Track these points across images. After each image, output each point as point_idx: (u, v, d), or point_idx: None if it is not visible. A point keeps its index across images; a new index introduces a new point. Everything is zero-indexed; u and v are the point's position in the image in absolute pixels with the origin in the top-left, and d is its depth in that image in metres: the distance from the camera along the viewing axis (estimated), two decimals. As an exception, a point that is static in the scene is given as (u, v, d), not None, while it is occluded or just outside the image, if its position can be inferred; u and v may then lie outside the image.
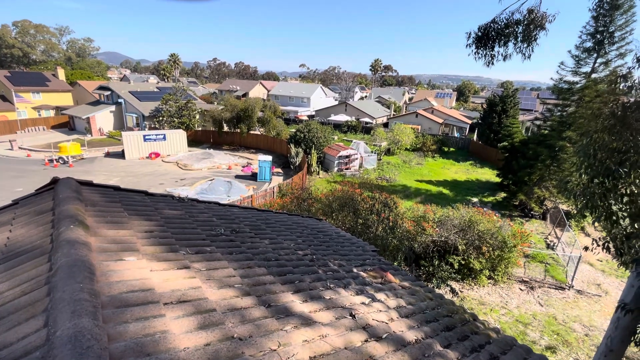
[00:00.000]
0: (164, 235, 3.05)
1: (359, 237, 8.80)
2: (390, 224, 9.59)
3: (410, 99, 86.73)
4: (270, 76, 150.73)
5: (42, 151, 30.81)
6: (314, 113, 57.86)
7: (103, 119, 39.06)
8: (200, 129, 38.02)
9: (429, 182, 27.28)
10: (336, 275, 3.57)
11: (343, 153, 27.87)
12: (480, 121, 42.83)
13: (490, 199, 24.08)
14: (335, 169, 28.08)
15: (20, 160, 28.50)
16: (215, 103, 48.00)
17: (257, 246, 3.70)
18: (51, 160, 27.24)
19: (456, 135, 46.28)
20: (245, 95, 66.16)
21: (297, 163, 26.91)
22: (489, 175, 29.82)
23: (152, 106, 37.72)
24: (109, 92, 40.14)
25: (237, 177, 25.98)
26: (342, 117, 49.53)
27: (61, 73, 52.02)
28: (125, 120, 39.78)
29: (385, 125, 50.07)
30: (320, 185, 24.58)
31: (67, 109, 43.19)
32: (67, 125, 42.36)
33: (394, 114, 58.22)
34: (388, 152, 34.42)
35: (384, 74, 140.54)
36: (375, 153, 31.65)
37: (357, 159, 28.98)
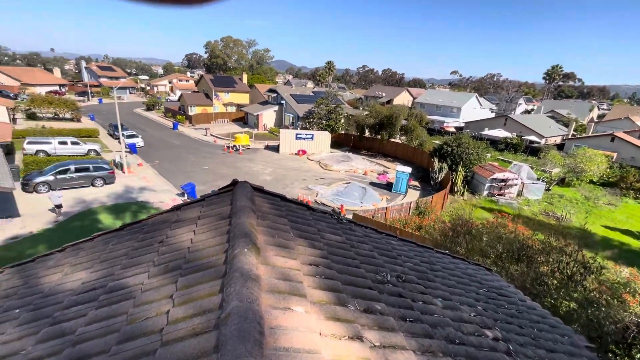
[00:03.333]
0: (329, 275, 2.49)
1: (529, 296, 6.62)
2: (587, 294, 6.81)
3: (600, 117, 67.42)
4: (417, 83, 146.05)
5: (223, 139, 38.75)
6: (463, 125, 52.23)
7: (268, 116, 46.08)
8: (343, 132, 39.86)
9: (627, 232, 19.91)
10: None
11: (498, 175, 23.57)
12: None
13: None
14: (485, 192, 24.07)
15: (209, 144, 36.63)
16: (361, 108, 49.49)
17: (432, 310, 2.76)
18: (228, 147, 33.80)
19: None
20: (389, 101, 65.92)
21: (439, 179, 24.41)
22: None
23: (306, 108, 41.95)
24: (275, 94, 47.06)
25: (372, 184, 25.68)
26: (498, 133, 42.64)
27: (245, 78, 64.60)
28: (283, 119, 45.77)
29: (560, 147, 40.23)
30: (464, 210, 21.47)
31: (244, 106, 53.14)
32: (243, 119, 52.12)
33: (574, 134, 46.25)
34: (562, 182, 27.24)
35: (561, 83, 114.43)
36: (543, 181, 25.54)
37: (516, 184, 24.02)
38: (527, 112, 75.05)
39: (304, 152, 33.47)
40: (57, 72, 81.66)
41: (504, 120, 46.83)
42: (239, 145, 33.63)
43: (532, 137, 41.92)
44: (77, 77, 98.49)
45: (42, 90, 61.26)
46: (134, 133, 32.94)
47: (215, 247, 2.41)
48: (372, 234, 4.13)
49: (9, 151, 24.93)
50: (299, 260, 2.50)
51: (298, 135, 33.72)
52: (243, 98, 58.46)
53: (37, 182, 18.89)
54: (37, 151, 25.18)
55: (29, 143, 25.29)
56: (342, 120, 39.71)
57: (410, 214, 17.47)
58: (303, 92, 49.07)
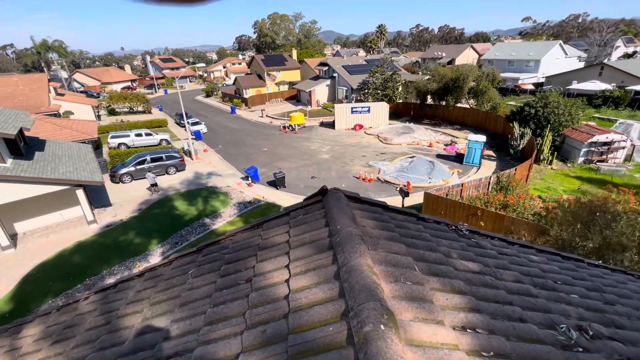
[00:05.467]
0: (498, 348, 1.63)
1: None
2: None
3: None
4: (481, 37, 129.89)
5: (279, 119, 38.91)
6: (542, 80, 45.16)
7: (320, 92, 44.92)
8: (401, 101, 37.11)
9: None
10: None
11: (600, 138, 19.65)
12: None
13: None
14: (581, 159, 20.40)
15: (265, 125, 37.10)
16: (420, 73, 45.42)
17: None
18: (284, 127, 33.81)
19: None
20: (451, 62, 59.59)
21: (521, 147, 21.30)
22: None
23: (360, 79, 39.76)
24: (326, 68, 45.41)
25: (439, 156, 23.52)
26: (592, 85, 35.81)
27: (294, 54, 63.50)
28: (336, 93, 44.22)
29: (678, 96, 32.49)
30: (554, 181, 18.51)
31: (296, 83, 52.51)
32: (295, 97, 51.75)
33: (697, 78, 36.87)
34: (687, 140, 21.85)
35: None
36: (660, 141, 20.76)
37: (624, 147, 19.86)
38: (629, 55, 61.92)
39: (361, 126, 31.99)
40: (127, 68, 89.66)
41: (599, 69, 39.10)
42: (295, 125, 33.40)
43: (639, 87, 34.38)
44: (144, 71, 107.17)
45: (117, 87, 67.86)
46: (198, 120, 34.64)
47: (326, 307, 1.69)
48: (502, 245, 3.11)
49: (97, 146, 27.99)
50: (447, 323, 1.67)
51: (353, 109, 32.20)
52: (294, 75, 57.80)
53: (122, 173, 20.85)
54: (119, 144, 27.86)
55: (112, 137, 28.06)
56: (400, 89, 36.87)
57: (491, 189, 15.44)
58: (355, 62, 46.54)
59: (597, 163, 19.88)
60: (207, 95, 61.97)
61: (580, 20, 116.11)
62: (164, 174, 21.99)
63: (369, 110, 32.00)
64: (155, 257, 13.61)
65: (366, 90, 37.21)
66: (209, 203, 17.99)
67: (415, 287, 1.84)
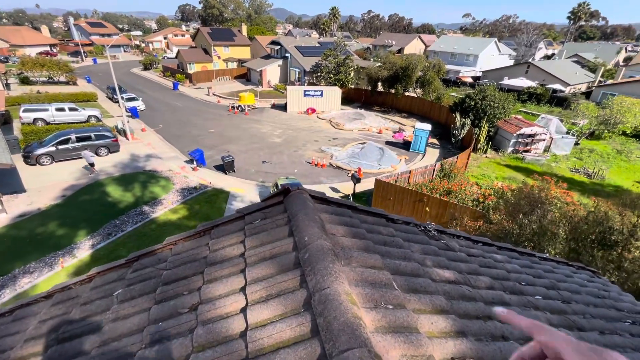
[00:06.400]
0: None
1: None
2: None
3: (627, 59, 62.32)
4: (427, 29, 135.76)
5: (227, 98, 36.67)
6: (479, 74, 48.77)
7: (272, 72, 43.19)
8: (353, 86, 37.31)
9: (666, 188, 18.66)
10: None
11: (526, 130, 21.84)
12: None
13: None
14: (510, 149, 22.55)
15: (212, 104, 34.72)
16: (371, 59, 45.96)
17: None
18: (233, 108, 31.97)
19: None
20: (400, 50, 61.35)
21: (461, 136, 22.82)
22: None
23: (313, 61, 38.95)
24: (278, 47, 43.63)
25: (388, 143, 24.24)
26: (520, 82, 39.62)
27: (244, 29, 59.89)
28: (289, 74, 42.91)
29: (586, 95, 37.49)
30: (488, 169, 20.23)
31: (246, 61, 49.81)
32: (245, 76, 49.17)
33: (601, 81, 42.90)
34: (592, 135, 25.40)
35: (583, 23, 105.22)
36: (572, 135, 23.78)
37: (544, 139, 22.37)
38: (548, 57, 69.70)
39: (314, 110, 31.57)
40: (45, 30, 76.86)
41: (526, 68, 43.36)
42: (244, 105, 31.78)
43: (557, 86, 38.94)
44: (67, 35, 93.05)
45: (32, 52, 57.95)
46: (134, 96, 31.13)
47: (296, 352, 1.33)
48: (468, 244, 3.04)
49: (6, 120, 23.72)
50: (437, 357, 1.44)
51: (306, 92, 31.56)
52: (244, 52, 54.71)
53: (39, 154, 17.92)
54: (35, 119, 23.89)
55: (24, 111, 23.90)
56: (352, 74, 36.98)
57: (435, 176, 16.31)
58: (308, 43, 45.41)
59: (523, 153, 22.19)
60: (145, 68, 56.03)
61: (511, 20, 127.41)
62: (93, 156, 19.44)
63: (321, 94, 31.62)
64: (83, 250, 12.02)
65: (319, 74, 36.65)
66: (148, 189, 16.37)
67: (398, 312, 1.58)
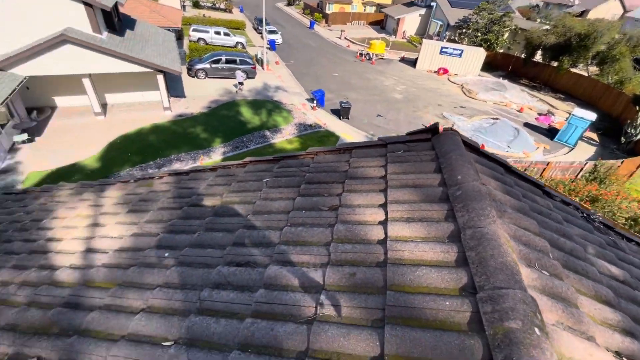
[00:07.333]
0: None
1: None
2: None
3: None
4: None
5: (357, 44, 35.89)
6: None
7: (410, 21, 39.72)
8: (501, 50, 31.61)
9: None
10: None
11: None
12: None
13: None
14: None
15: (341, 48, 34.60)
16: (538, 21, 37.41)
17: None
18: (361, 55, 31.25)
19: None
20: (583, 13, 47.93)
21: (638, 138, 17.56)
22: None
23: (460, 14, 33.99)
24: (425, -7, 39.22)
25: (526, 125, 20.47)
26: None
27: (393, -31, 55.13)
28: (428, 26, 38.85)
29: None
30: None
31: (386, 7, 46.74)
32: (380, 23, 46.63)
33: None
34: None
35: None
36: None
37: None
38: None
39: (446, 71, 28.41)
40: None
41: None
42: (373, 54, 30.65)
43: None
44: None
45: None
46: (275, 29, 33.24)
47: (440, 273, 1.32)
48: (639, 250, 2.43)
49: (179, 36, 28.60)
50: (600, 342, 1.24)
51: (443, 49, 28.28)
52: (385, -4, 51.16)
53: (198, 69, 21.39)
54: (199, 39, 28.14)
55: (193, 30, 28.28)
56: (506, 35, 31.09)
57: (581, 176, 13.31)
58: (462, -8, 39.31)
59: None
60: (289, 4, 58.39)
61: None
62: (244, 77, 22.09)
63: (460, 54, 27.91)
64: (216, 154, 14.48)
65: (464, 30, 32.02)
66: (272, 117, 18.10)
67: (555, 281, 1.38)
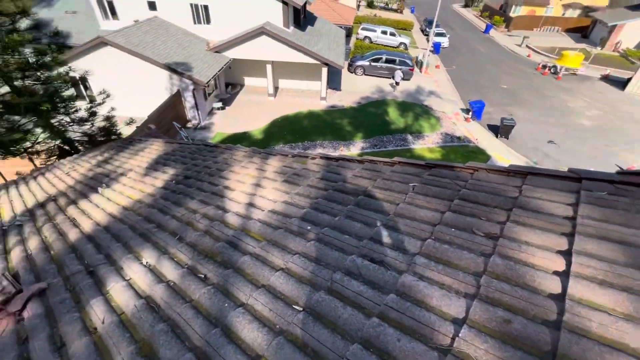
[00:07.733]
0: None
1: None
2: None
3: None
4: None
5: (542, 54, 30.21)
6: None
7: (632, 30, 30.53)
8: None
9: None
10: None
11: None
12: None
13: None
14: None
15: (519, 58, 29.82)
16: None
17: None
18: (543, 67, 26.21)
19: None
20: None
21: None
22: None
23: None
24: (668, -7, 29.14)
25: None
26: None
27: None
28: (659, 38, 28.99)
29: None
30: None
31: (596, 10, 37.31)
32: (583, 31, 37.72)
33: None
34: None
35: None
36: None
37: None
38: None
39: (675, 100, 20.68)
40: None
41: None
42: (562, 67, 25.21)
43: None
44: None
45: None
46: (443, 32, 31.53)
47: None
48: None
49: (349, 33, 30.76)
50: None
51: (679, 70, 20.57)
52: (599, -3, 40.77)
53: (358, 65, 22.58)
54: (365, 37, 29.55)
55: (362, 29, 29.87)
56: None
57: None
58: None
59: None
60: (466, 5, 54.20)
61: None
62: (391, 78, 22.35)
63: None
64: (355, 148, 15.10)
65: None
66: (418, 121, 17.45)
67: None
